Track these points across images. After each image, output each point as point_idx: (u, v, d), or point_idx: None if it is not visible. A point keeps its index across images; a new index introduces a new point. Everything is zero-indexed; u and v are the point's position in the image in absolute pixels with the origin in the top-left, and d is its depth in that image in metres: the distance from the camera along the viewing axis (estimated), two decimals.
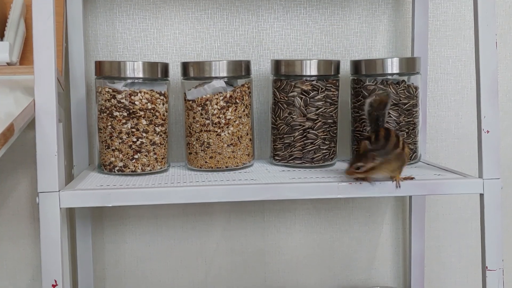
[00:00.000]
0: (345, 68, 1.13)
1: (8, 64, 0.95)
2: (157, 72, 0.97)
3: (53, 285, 0.81)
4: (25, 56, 1.00)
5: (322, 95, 1.01)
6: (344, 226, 1.22)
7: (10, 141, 0.71)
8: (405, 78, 1.02)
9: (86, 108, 1.08)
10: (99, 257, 1.17)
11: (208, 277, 1.20)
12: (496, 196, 0.90)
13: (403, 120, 1.02)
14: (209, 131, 0.98)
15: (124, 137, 0.96)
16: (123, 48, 1.13)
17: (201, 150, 0.99)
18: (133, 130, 0.96)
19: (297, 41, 1.16)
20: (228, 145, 0.99)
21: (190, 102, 0.99)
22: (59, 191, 0.81)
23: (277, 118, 1.03)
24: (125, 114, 0.95)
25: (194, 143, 1.00)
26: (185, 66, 0.99)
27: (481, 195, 0.90)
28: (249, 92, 1.01)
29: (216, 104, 0.97)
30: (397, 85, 1.01)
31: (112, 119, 0.95)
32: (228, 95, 0.98)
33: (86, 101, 1.08)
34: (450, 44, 1.20)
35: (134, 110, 0.95)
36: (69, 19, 1.05)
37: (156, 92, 0.97)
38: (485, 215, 0.90)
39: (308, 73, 0.99)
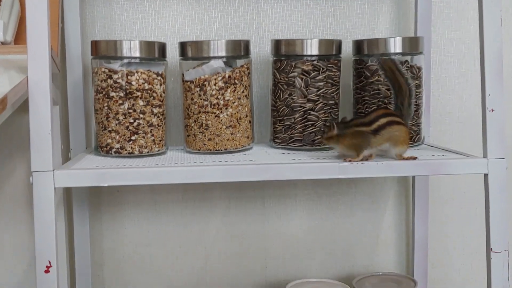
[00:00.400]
0: (347, 51, 1.11)
1: (3, 43, 0.93)
2: (154, 51, 0.95)
3: (47, 266, 0.79)
4: (20, 36, 0.98)
5: (323, 76, 0.98)
6: (346, 211, 1.20)
7: (2, 116, 0.69)
8: (408, 58, 1.00)
9: (83, 90, 1.06)
10: (97, 243, 1.15)
11: (208, 263, 1.18)
12: (501, 177, 0.88)
13: None
14: (208, 112, 0.96)
15: (121, 118, 0.94)
16: (121, 30, 1.11)
17: (200, 132, 0.97)
18: (130, 111, 0.94)
19: (298, 23, 1.14)
20: (227, 127, 0.97)
21: (188, 83, 0.97)
22: (53, 170, 0.80)
23: (277, 100, 1.01)
24: (122, 94, 0.93)
25: (193, 125, 0.98)
26: (183, 46, 0.97)
27: (486, 176, 0.88)
28: (249, 73, 0.99)
29: (215, 85, 0.95)
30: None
31: (109, 99, 0.94)
32: (227, 76, 0.96)
33: (83, 84, 1.06)
34: (453, 26, 1.18)
35: (130, 90, 0.93)
36: (65, 1, 1.03)
37: (153, 72, 0.95)
38: (490, 196, 0.88)
39: (309, 53, 0.97)
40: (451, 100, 1.19)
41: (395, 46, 0.99)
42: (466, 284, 1.24)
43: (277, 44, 1.00)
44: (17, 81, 0.77)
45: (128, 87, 0.93)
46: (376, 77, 1.00)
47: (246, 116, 0.99)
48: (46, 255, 0.79)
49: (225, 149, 0.97)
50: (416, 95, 1.01)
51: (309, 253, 1.20)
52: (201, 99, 0.96)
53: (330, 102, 1.00)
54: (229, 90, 0.96)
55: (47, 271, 0.79)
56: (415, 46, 1.00)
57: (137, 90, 0.93)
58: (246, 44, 0.98)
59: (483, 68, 0.87)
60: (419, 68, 1.01)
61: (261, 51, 1.14)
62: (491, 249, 0.88)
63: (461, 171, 0.89)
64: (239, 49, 0.97)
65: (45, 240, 0.79)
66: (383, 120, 0.88)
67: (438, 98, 1.19)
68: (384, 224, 1.21)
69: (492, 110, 0.87)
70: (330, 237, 1.20)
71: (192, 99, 0.97)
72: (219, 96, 0.96)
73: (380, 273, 1.15)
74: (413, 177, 1.16)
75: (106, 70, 0.93)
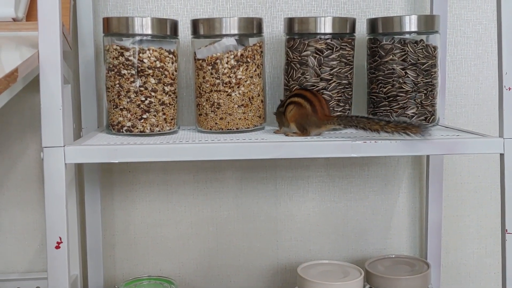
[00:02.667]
0: (361, 31, 1.10)
1: (14, 20, 0.93)
2: (166, 29, 0.94)
3: (57, 242, 0.79)
4: (32, 13, 0.97)
5: (337, 54, 0.97)
6: (359, 194, 1.18)
7: (14, 88, 0.69)
8: (424, 37, 0.98)
9: (95, 68, 1.06)
10: (109, 223, 1.15)
11: (219, 244, 1.17)
12: None
13: (421, 80, 0.98)
14: (220, 91, 0.95)
15: (132, 96, 0.93)
16: (133, 9, 1.10)
17: (211, 111, 0.96)
18: (142, 89, 0.93)
19: (312, 2, 1.12)
20: (239, 106, 0.96)
21: (200, 61, 0.96)
22: (64, 146, 0.79)
23: (290, 79, 1.00)
24: (133, 72, 0.93)
25: (204, 103, 0.97)
26: (195, 23, 0.96)
27: (501, 155, 0.86)
28: (261, 52, 0.98)
29: (227, 63, 0.94)
30: (415, 44, 0.97)
31: (120, 77, 0.93)
32: (239, 54, 0.95)
33: (94, 62, 1.06)
34: (470, 6, 1.16)
35: (142, 68, 0.93)
36: None
37: (165, 50, 0.94)
38: (506, 176, 0.86)
39: (322, 31, 0.96)
40: (466, 82, 1.17)
41: (410, 24, 0.97)
42: (480, 267, 1.22)
43: (290, 22, 0.99)
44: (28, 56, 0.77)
45: (139, 65, 0.92)
46: (391, 56, 0.98)
47: (258, 95, 0.98)
48: (56, 231, 0.79)
49: (237, 129, 0.97)
50: (431, 74, 0.99)
51: (321, 235, 1.19)
52: (213, 78, 0.95)
53: (344, 81, 0.99)
54: (241, 68, 0.95)
55: (57, 247, 0.79)
56: (430, 25, 0.98)
57: (149, 68, 0.93)
58: (259, 22, 0.97)
59: (500, 46, 0.86)
60: (435, 48, 0.99)
61: (274, 31, 1.13)
62: (506, 230, 0.86)
63: (476, 150, 0.87)
64: (252, 27, 0.96)
65: (55, 216, 0.79)
66: (288, 100, 0.94)
67: (454, 79, 1.17)
68: (397, 207, 1.19)
69: (510, 89, 0.85)
70: (343, 220, 1.19)
71: (204, 77, 0.96)
72: (231, 75, 0.95)
73: (393, 256, 1.13)
74: (427, 159, 1.14)
75: (118, 48, 0.93)
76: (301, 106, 0.91)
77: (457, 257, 1.22)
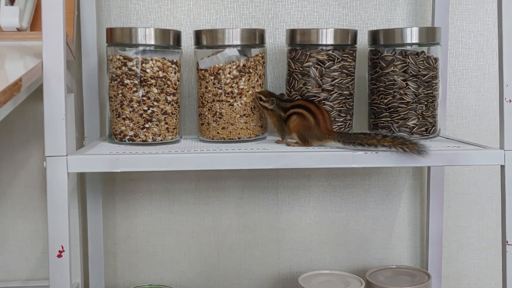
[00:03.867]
0: (363, 42, 1.10)
1: (18, 29, 0.94)
2: (169, 39, 0.95)
3: (59, 251, 0.79)
4: (36, 23, 0.98)
5: (338, 66, 0.98)
6: (360, 204, 1.19)
7: (17, 98, 0.69)
8: (425, 49, 0.99)
9: (98, 78, 1.07)
10: (110, 232, 1.15)
11: (220, 253, 1.17)
12: None
13: (422, 92, 0.99)
14: (222, 101, 0.96)
15: (135, 105, 0.94)
16: (137, 19, 1.11)
17: (213, 121, 0.97)
18: (144, 98, 0.94)
19: (314, 13, 1.13)
20: (240, 115, 0.96)
21: (203, 71, 0.97)
22: (66, 155, 0.80)
23: (291, 89, 1.00)
24: (136, 82, 0.93)
25: (206, 113, 0.97)
26: (198, 34, 0.97)
27: (502, 167, 0.87)
28: (263, 62, 0.99)
29: (229, 73, 0.95)
30: (416, 56, 0.98)
31: (123, 87, 0.94)
32: (241, 64, 0.95)
33: (98, 71, 1.06)
34: (472, 18, 1.16)
35: (145, 78, 0.93)
36: None
37: (168, 60, 0.95)
38: (506, 188, 0.86)
39: (324, 42, 0.97)
40: (468, 93, 1.18)
41: (412, 36, 0.98)
42: (481, 279, 1.22)
43: (292, 33, 0.99)
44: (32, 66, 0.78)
45: (142, 75, 0.93)
46: (392, 68, 0.99)
47: None
48: (58, 240, 0.79)
49: (239, 138, 0.97)
50: (432, 86, 0.99)
51: (322, 245, 1.19)
52: (215, 88, 0.96)
53: (345, 92, 0.99)
54: (243, 78, 0.96)
55: (59, 256, 0.80)
56: (432, 37, 0.99)
57: (152, 77, 0.93)
58: (261, 33, 0.98)
59: (501, 58, 0.86)
60: (436, 59, 1.00)
61: (276, 41, 1.13)
62: (507, 241, 0.86)
63: (477, 162, 0.88)
64: (254, 38, 0.96)
65: (57, 224, 0.80)
66: (291, 110, 0.95)
67: (455, 91, 1.17)
68: (398, 217, 1.20)
69: (510, 101, 0.86)
70: (344, 229, 1.19)
71: (206, 87, 0.97)
72: (233, 85, 0.95)
73: (394, 266, 1.14)
74: (428, 170, 1.15)
75: (121, 58, 0.93)
76: (305, 118, 0.92)
77: (458, 267, 1.22)
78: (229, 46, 0.95)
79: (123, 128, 0.95)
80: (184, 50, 1.07)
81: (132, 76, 0.93)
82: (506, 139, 0.86)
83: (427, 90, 0.99)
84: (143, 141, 0.95)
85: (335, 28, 1.03)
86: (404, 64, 0.98)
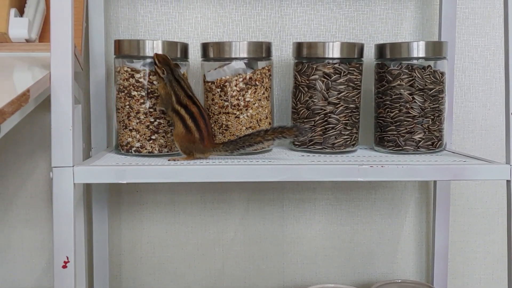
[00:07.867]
0: (369, 56, 1.11)
1: (27, 40, 0.95)
2: (176, 51, 0.96)
3: (64, 262, 0.80)
4: (45, 34, 0.99)
5: (345, 79, 0.98)
6: (365, 218, 1.18)
7: (25, 109, 0.70)
8: (432, 63, 0.99)
9: (106, 89, 1.07)
10: (116, 243, 1.16)
11: (225, 266, 1.17)
12: None
13: (428, 106, 0.99)
14: (228, 113, 0.96)
15: (142, 117, 0.94)
16: (144, 31, 1.12)
17: (219, 133, 0.97)
18: (151, 110, 0.94)
19: (321, 27, 1.14)
20: (246, 128, 0.97)
21: (209, 83, 0.97)
22: (73, 166, 0.80)
23: (298, 102, 1.01)
24: (143, 93, 0.94)
25: (213, 125, 0.98)
26: (205, 47, 0.98)
27: (508, 182, 0.86)
28: (270, 75, 0.99)
29: (236, 86, 0.95)
30: (422, 70, 0.98)
31: (130, 98, 0.94)
32: (247, 77, 0.96)
33: (105, 83, 1.07)
34: (478, 32, 1.16)
35: (152, 90, 0.94)
36: (90, 1, 1.05)
37: None
38: None
39: (330, 56, 0.97)
40: (474, 107, 1.18)
41: (418, 50, 0.98)
42: None
43: (298, 46, 1.00)
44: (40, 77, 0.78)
45: (149, 87, 0.94)
46: (398, 82, 0.99)
47: (266, 118, 0.99)
48: (64, 250, 0.80)
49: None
50: (439, 100, 1.00)
51: (328, 258, 1.19)
52: (221, 100, 0.96)
53: (351, 105, 0.99)
54: (249, 91, 0.96)
55: (64, 267, 0.80)
56: (438, 51, 0.99)
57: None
58: (268, 46, 0.98)
59: (508, 73, 0.86)
60: (442, 74, 1.00)
61: (283, 54, 1.14)
62: None
63: (483, 177, 0.88)
64: (261, 51, 0.97)
65: (63, 235, 0.80)
66: (180, 108, 0.91)
67: (461, 105, 1.17)
68: (404, 231, 1.19)
69: None
70: (349, 243, 1.19)
71: (212, 99, 0.97)
72: (240, 97, 0.96)
73: (399, 280, 1.13)
74: (434, 184, 1.14)
75: (129, 69, 0.94)
76: (190, 133, 0.90)
77: (463, 282, 1.21)
78: (236, 59, 0.95)
79: (130, 139, 0.95)
80: (191, 63, 1.07)
81: (139, 88, 0.94)
82: None
83: (434, 104, 0.99)
84: (149, 152, 0.95)
85: (341, 41, 1.03)
86: (410, 78, 0.98)
